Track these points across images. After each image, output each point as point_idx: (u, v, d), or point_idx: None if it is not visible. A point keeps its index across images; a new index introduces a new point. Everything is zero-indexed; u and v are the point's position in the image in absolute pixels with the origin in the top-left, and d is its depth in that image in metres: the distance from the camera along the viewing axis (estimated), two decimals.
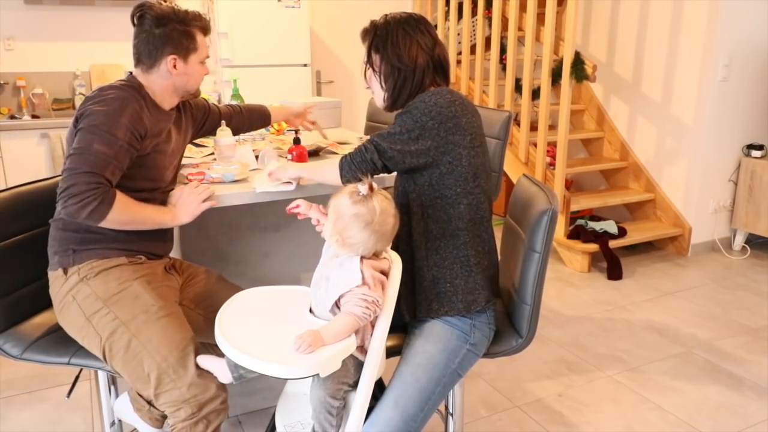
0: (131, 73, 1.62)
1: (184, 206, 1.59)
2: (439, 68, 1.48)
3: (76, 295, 1.46)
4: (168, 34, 1.55)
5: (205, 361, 1.39)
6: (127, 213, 1.45)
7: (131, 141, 1.47)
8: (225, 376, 1.35)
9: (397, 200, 1.46)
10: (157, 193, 1.60)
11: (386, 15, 1.51)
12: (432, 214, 1.40)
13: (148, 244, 1.58)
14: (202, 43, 1.62)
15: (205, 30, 1.64)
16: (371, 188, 1.28)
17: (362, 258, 1.28)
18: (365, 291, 1.23)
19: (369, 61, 1.49)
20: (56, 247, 1.51)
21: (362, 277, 1.24)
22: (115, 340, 1.42)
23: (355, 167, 1.43)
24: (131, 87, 1.55)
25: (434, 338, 1.41)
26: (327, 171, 1.51)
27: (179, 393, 1.38)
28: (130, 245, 1.53)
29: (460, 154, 1.37)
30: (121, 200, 1.43)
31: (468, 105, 1.41)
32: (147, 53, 1.56)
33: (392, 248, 1.45)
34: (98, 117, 1.43)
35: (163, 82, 1.60)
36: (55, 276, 1.51)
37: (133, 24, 1.57)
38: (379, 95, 1.51)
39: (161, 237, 1.63)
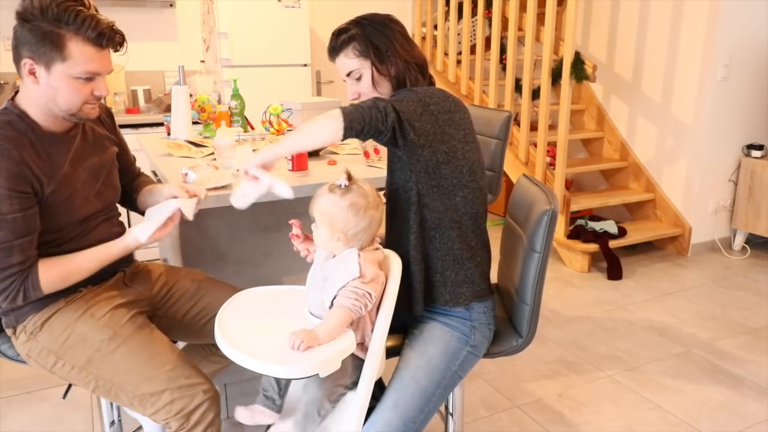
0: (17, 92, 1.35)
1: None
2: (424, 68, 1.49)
3: (30, 353, 1.40)
4: (25, 33, 1.25)
5: (244, 417, 1.36)
6: (59, 272, 1.35)
7: (25, 204, 1.28)
8: (270, 417, 1.35)
9: (389, 197, 1.45)
10: (81, 229, 1.43)
11: (361, 18, 1.44)
12: (428, 203, 1.38)
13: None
14: (79, 53, 1.27)
15: (90, 39, 1.27)
16: (349, 176, 1.29)
17: (360, 251, 1.28)
18: (356, 284, 1.23)
19: (376, 68, 1.42)
20: None
21: (360, 270, 1.24)
22: (84, 385, 1.40)
23: (362, 110, 1.26)
24: (8, 123, 1.29)
25: (434, 340, 1.41)
26: (315, 128, 1.27)
27: (165, 411, 1.36)
28: None
29: (455, 147, 1.36)
30: (47, 266, 1.33)
31: (459, 103, 1.41)
32: (13, 55, 1.29)
33: (386, 242, 1.46)
34: None
35: (34, 96, 1.31)
36: (9, 334, 1.44)
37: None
38: None
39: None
